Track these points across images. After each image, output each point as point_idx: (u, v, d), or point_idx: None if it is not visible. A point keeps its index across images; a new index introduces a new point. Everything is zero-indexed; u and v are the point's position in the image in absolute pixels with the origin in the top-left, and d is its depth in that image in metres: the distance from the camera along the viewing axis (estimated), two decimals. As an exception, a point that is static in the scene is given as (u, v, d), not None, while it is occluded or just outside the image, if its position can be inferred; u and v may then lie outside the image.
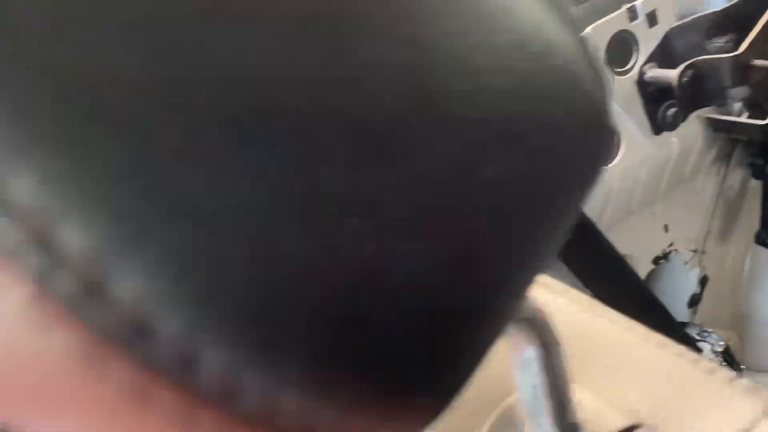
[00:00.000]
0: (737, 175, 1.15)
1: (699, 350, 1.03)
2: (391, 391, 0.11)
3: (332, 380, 0.10)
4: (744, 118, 0.98)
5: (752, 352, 1.20)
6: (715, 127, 1.02)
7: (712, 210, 1.14)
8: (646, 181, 1.02)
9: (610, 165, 0.95)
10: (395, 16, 0.11)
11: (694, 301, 1.17)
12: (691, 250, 1.14)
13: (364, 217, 0.10)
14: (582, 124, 0.14)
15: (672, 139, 1.01)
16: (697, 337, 1.08)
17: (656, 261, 1.11)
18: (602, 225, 0.97)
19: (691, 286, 1.17)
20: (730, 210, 1.16)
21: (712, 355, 1.05)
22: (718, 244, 1.16)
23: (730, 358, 1.08)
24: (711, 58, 0.88)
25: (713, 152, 1.10)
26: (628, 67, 0.96)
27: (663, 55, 0.96)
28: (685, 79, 0.91)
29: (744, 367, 1.13)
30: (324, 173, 0.10)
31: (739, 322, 1.20)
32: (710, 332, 1.09)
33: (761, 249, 1.17)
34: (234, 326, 0.09)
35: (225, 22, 0.10)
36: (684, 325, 1.10)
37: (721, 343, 1.07)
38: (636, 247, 1.07)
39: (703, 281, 1.17)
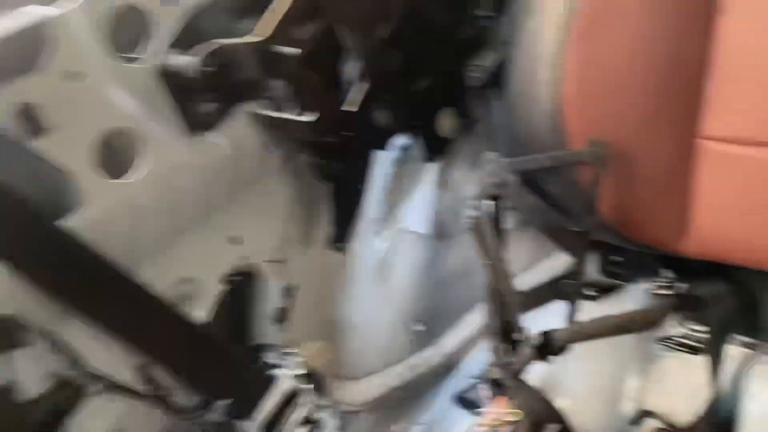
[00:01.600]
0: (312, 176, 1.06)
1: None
2: None
3: None
4: (290, 114, 0.87)
5: (348, 360, 1.14)
6: (265, 124, 0.90)
7: (288, 215, 1.04)
8: (194, 190, 0.86)
9: (128, 178, 0.76)
10: None
11: (282, 317, 1.06)
12: (270, 261, 1.02)
13: None
14: None
15: (218, 140, 0.86)
16: (275, 363, 0.96)
17: (229, 279, 0.96)
18: (136, 255, 0.78)
19: (275, 301, 1.06)
20: (309, 213, 1.07)
21: (292, 382, 0.95)
22: (300, 251, 1.07)
23: (315, 382, 0.99)
24: (231, 43, 0.74)
25: (280, 152, 0.99)
26: (145, 54, 0.77)
27: (189, 40, 0.80)
28: (208, 68, 0.75)
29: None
30: None
31: (333, 331, 1.13)
32: (291, 354, 0.98)
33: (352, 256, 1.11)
34: None
35: None
36: (261, 348, 0.98)
37: (302, 365, 0.97)
38: (198, 268, 0.91)
39: (289, 292, 1.06)
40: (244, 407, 0.90)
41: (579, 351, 1.16)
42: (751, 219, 0.85)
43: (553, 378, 1.15)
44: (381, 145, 0.96)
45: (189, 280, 0.91)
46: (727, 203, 0.87)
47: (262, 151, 0.94)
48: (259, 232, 0.97)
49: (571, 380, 1.16)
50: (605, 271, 1.24)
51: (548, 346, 0.86)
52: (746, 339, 1.11)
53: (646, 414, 1.16)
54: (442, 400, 1.25)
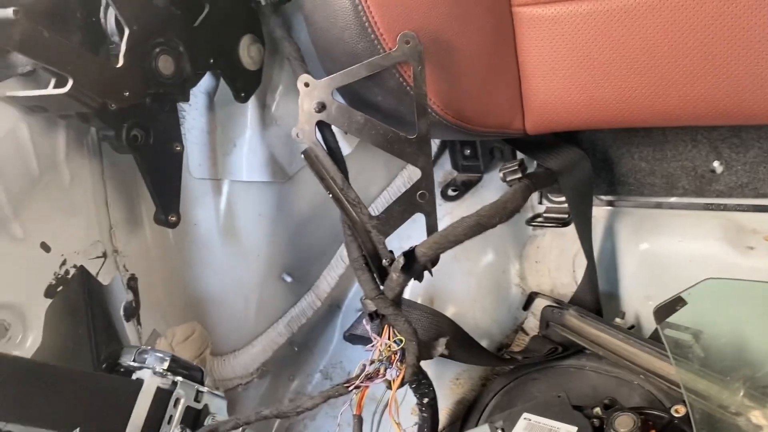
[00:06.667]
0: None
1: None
2: None
3: None
4: (44, 90, 0.75)
5: (222, 334, 1.06)
6: (27, 106, 0.77)
7: (102, 203, 0.92)
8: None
9: None
10: None
11: (132, 311, 0.96)
12: (97, 257, 0.91)
13: None
14: None
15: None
16: (135, 364, 0.87)
17: (48, 293, 0.85)
18: None
19: (122, 296, 0.95)
20: (125, 193, 0.95)
21: (159, 380, 0.86)
22: (131, 236, 0.96)
23: (187, 369, 0.91)
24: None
25: (89, 139, 0.87)
26: None
27: None
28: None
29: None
30: None
31: (197, 309, 1.04)
32: (150, 351, 0.89)
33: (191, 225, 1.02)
34: None
35: None
36: (114, 354, 0.88)
37: (166, 358, 0.89)
38: (11, 290, 0.80)
39: (131, 283, 0.96)
40: (114, 424, 0.81)
41: (455, 253, 1.16)
42: (579, 80, 0.84)
43: (438, 288, 1.15)
44: (180, 97, 0.86)
45: (5, 306, 0.79)
46: (554, 69, 0.86)
47: (42, 138, 0.81)
48: (67, 231, 0.85)
49: (456, 285, 1.16)
50: (459, 167, 1.22)
51: (415, 264, 0.83)
52: (608, 197, 1.14)
53: (534, 295, 1.19)
54: (335, 342, 1.22)
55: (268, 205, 1.04)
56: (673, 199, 1.07)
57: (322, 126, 0.85)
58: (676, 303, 0.80)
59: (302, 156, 0.84)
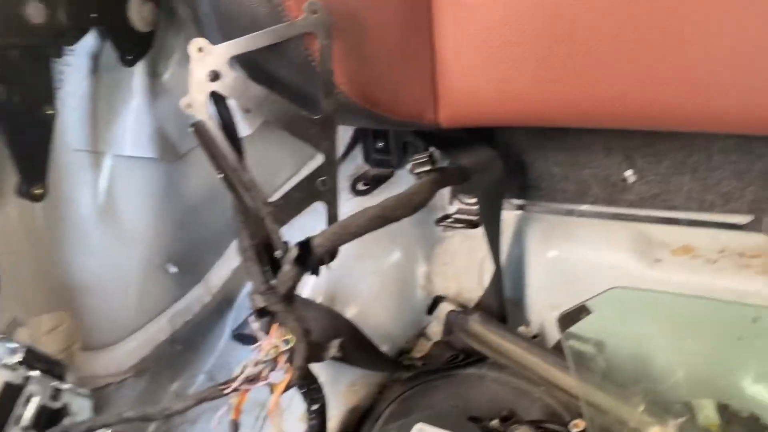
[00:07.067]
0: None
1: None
2: None
3: None
4: None
5: (94, 325, 0.96)
6: None
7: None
8: None
9: None
10: None
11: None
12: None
13: None
14: None
15: None
16: (-21, 356, 0.76)
17: None
18: None
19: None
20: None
21: (8, 374, 0.76)
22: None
23: (46, 363, 0.81)
24: None
25: None
26: None
27: None
28: None
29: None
30: None
31: (67, 297, 0.93)
32: (1, 340, 0.79)
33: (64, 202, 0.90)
34: None
35: None
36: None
37: (20, 349, 0.78)
38: None
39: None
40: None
41: (360, 251, 1.10)
42: (496, 72, 0.80)
43: (340, 288, 1.08)
44: (52, 52, 0.75)
45: None
46: (470, 59, 0.81)
47: None
48: None
49: (359, 285, 1.09)
50: (371, 160, 1.16)
51: (310, 257, 0.76)
52: (519, 201, 1.11)
53: (439, 299, 1.14)
54: (224, 341, 1.13)
55: (155, 185, 0.94)
56: (584, 207, 1.05)
57: (217, 98, 0.77)
58: (580, 311, 0.76)
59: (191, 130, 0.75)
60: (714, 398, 0.77)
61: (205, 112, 0.76)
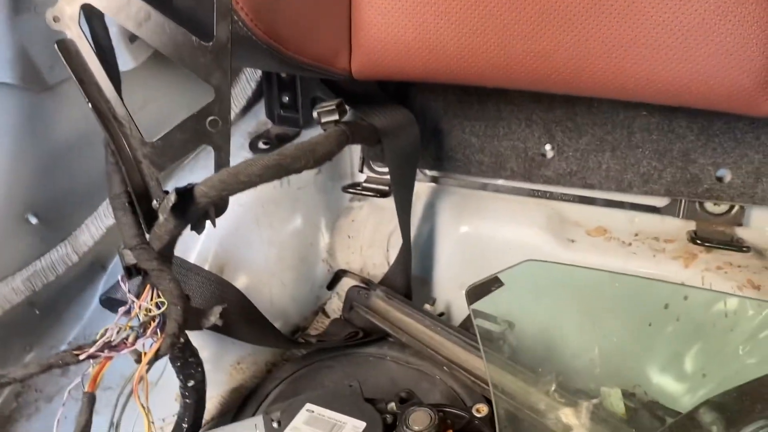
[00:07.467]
0: None
1: None
2: None
3: None
4: None
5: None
6: None
7: None
8: None
9: None
10: None
11: None
12: None
13: None
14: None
15: None
16: None
17: None
18: None
19: None
20: None
21: None
22: None
23: None
24: None
25: None
26: None
27: None
28: None
29: None
30: None
31: None
32: None
33: None
34: None
35: None
36: None
37: None
38: None
39: None
40: None
41: (256, 214, 1.00)
42: (417, 17, 0.72)
43: (232, 255, 0.97)
44: None
45: None
46: (387, 6, 0.73)
47: None
48: None
49: (254, 254, 0.99)
50: (275, 117, 1.06)
51: (191, 207, 0.65)
52: (432, 172, 1.04)
53: (341, 273, 1.06)
54: (93, 309, 1.00)
55: (15, 117, 0.79)
56: (500, 182, 1.00)
57: (91, 14, 0.65)
58: (492, 283, 0.70)
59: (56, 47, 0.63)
60: (621, 385, 0.73)
61: (75, 29, 0.64)
